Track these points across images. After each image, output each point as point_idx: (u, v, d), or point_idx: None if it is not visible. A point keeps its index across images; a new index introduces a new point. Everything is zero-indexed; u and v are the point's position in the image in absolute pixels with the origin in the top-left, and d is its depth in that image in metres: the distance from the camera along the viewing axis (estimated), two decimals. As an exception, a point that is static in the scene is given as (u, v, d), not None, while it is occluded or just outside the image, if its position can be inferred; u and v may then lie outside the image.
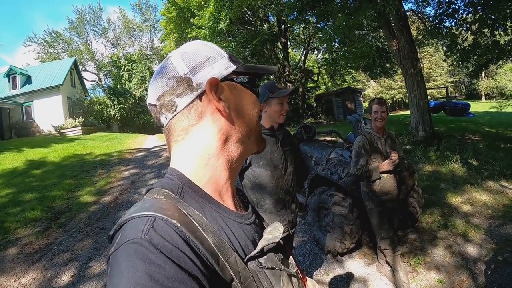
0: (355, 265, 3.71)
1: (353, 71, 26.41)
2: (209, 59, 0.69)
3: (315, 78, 27.87)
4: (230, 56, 0.72)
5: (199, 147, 0.68)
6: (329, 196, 3.80)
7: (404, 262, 3.60)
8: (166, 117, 0.69)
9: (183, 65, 0.67)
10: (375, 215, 3.25)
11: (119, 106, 28.12)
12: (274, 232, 0.70)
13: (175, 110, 0.67)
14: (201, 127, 0.68)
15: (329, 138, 7.19)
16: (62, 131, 21.27)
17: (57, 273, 3.91)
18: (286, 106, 2.27)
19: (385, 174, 3.15)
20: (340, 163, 3.92)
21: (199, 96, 0.67)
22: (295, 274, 0.74)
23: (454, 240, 4.02)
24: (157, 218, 0.53)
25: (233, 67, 0.70)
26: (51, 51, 39.96)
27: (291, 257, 0.80)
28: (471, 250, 3.81)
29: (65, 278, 3.81)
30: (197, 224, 0.57)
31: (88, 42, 42.92)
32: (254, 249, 0.65)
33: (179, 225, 0.54)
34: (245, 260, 0.62)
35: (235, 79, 0.71)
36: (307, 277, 0.92)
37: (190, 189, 0.65)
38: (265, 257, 0.65)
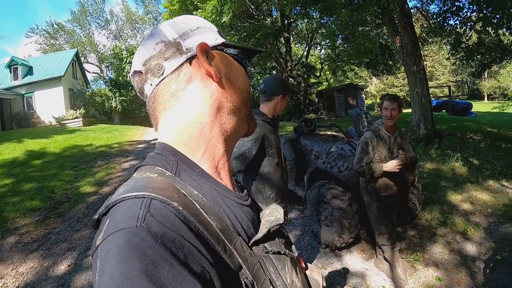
0: (353, 260, 3.70)
1: (356, 67, 26.38)
2: (199, 28, 0.67)
3: (317, 74, 27.86)
4: (219, 31, 0.71)
5: (190, 114, 0.63)
6: (328, 190, 3.77)
7: (402, 258, 3.60)
8: (151, 83, 0.64)
9: (173, 31, 0.65)
10: (374, 210, 3.22)
11: (121, 98, 27.99)
12: (274, 213, 0.67)
13: (163, 73, 0.62)
14: (191, 92, 0.63)
15: (329, 132, 7.16)
16: (63, 122, 21.23)
17: (55, 263, 3.90)
18: None
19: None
20: (340, 157, 3.89)
21: (189, 60, 0.63)
22: (297, 258, 0.70)
23: (453, 238, 4.00)
24: (153, 199, 0.46)
25: (222, 40, 0.68)
26: (53, 42, 39.79)
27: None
28: (470, 248, 3.80)
29: (62, 267, 3.80)
30: (199, 207, 0.51)
31: (90, 34, 42.73)
32: (256, 232, 0.61)
33: (181, 208, 0.47)
34: (249, 244, 0.58)
35: (224, 50, 0.68)
36: (308, 264, 0.89)
37: (186, 165, 0.60)
38: (269, 241, 0.60)
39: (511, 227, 4.17)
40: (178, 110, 0.63)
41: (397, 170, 2.96)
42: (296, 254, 0.68)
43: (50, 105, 22.44)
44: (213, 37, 0.67)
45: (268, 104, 2.29)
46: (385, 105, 3.04)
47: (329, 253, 3.85)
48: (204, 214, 0.51)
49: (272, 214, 0.66)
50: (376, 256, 3.51)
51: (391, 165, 2.96)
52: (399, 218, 3.59)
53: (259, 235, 0.59)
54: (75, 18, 41.25)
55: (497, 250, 3.68)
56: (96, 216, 0.50)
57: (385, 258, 3.33)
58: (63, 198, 6.13)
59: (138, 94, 0.70)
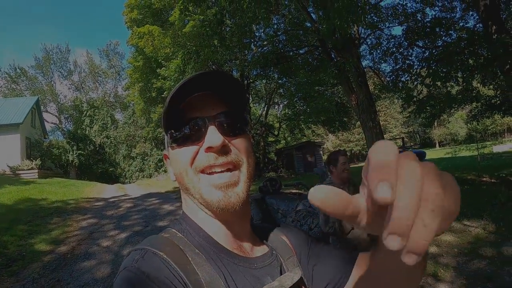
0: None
1: (313, 125, 27.36)
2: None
3: (276, 133, 28.57)
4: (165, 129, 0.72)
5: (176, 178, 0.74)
6: None
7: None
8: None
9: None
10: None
11: (78, 152, 27.29)
12: (284, 279, 0.69)
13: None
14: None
15: (294, 191, 7.26)
16: (17, 172, 19.89)
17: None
18: None
19: None
20: (309, 214, 3.94)
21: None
22: None
23: (425, 281, 4.08)
24: (148, 251, 0.62)
25: (168, 137, 0.73)
26: (14, 87, 38.81)
27: None
28: (443, 289, 3.88)
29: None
30: (190, 259, 0.63)
31: (52, 82, 42.13)
32: None
33: (165, 256, 0.61)
34: None
35: (170, 143, 0.73)
36: None
37: (192, 229, 0.71)
38: None
39: (479, 262, 4.36)
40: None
41: None
42: None
43: (5, 152, 20.88)
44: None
45: None
46: (342, 160, 3.39)
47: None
48: (193, 264, 0.62)
49: (281, 280, 0.69)
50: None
51: None
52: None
53: None
54: (38, 64, 40.78)
55: (469, 286, 3.82)
56: None
57: None
58: (17, 255, 5.66)
59: None
